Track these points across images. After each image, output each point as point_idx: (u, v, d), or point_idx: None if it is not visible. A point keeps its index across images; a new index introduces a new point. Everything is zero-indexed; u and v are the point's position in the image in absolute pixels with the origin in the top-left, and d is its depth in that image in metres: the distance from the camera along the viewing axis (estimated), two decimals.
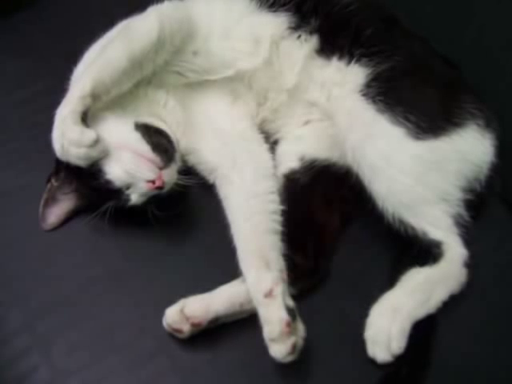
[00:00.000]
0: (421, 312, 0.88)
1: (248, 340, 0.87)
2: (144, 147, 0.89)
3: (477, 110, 0.94)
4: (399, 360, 0.85)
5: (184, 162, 0.98)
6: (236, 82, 1.00)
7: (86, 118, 0.87)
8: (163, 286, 0.91)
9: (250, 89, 1.01)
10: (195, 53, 0.96)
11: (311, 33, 0.99)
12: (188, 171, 0.97)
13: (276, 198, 0.96)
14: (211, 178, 0.99)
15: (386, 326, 0.86)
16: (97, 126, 0.88)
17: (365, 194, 0.93)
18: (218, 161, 0.98)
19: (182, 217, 0.97)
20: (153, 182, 0.87)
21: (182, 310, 0.85)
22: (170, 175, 0.90)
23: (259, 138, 1.02)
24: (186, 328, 0.85)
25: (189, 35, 0.95)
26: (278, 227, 0.93)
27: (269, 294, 0.84)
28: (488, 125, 0.95)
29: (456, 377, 0.87)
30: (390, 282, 0.91)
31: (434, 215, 0.92)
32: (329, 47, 0.99)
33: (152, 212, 0.91)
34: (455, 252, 0.92)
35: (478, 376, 0.88)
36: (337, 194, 1.00)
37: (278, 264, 0.89)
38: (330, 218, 0.98)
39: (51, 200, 0.94)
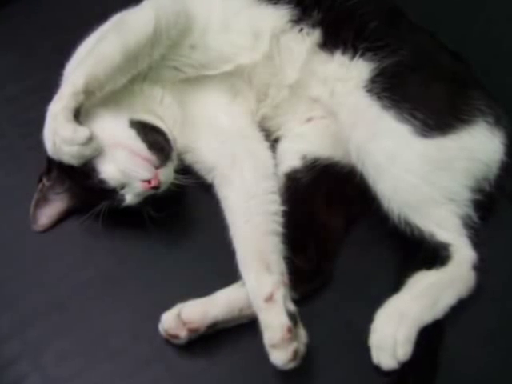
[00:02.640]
0: (428, 317, 0.86)
1: (247, 346, 0.85)
2: (139, 145, 0.87)
3: (486, 106, 0.93)
4: (405, 367, 0.83)
5: (181, 160, 0.96)
6: (235, 78, 0.99)
7: (79, 114, 0.85)
8: (159, 290, 0.90)
9: (250, 85, 1.00)
10: (192, 47, 0.95)
11: (313, 26, 0.97)
12: (185, 170, 0.95)
13: (277, 198, 0.95)
14: (209, 178, 0.98)
15: (392, 332, 0.84)
16: (90, 123, 0.86)
17: (369, 194, 0.92)
18: (217, 159, 0.97)
19: (179, 218, 0.96)
20: (148, 181, 0.86)
21: (178, 315, 0.83)
22: (166, 175, 0.88)
23: (259, 135, 1.01)
24: (182, 334, 0.83)
25: (186, 28, 0.93)
26: (279, 228, 0.92)
27: (269, 299, 0.82)
28: (498, 122, 0.93)
29: None
30: (395, 285, 0.89)
31: (441, 216, 0.90)
32: (332, 41, 0.97)
33: (148, 213, 0.89)
34: (464, 254, 0.90)
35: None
36: (340, 193, 0.98)
37: (279, 267, 0.88)
38: (333, 219, 0.97)
39: (43, 200, 0.93)
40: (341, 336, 0.88)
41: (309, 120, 1.02)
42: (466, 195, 0.91)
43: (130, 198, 0.87)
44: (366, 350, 0.85)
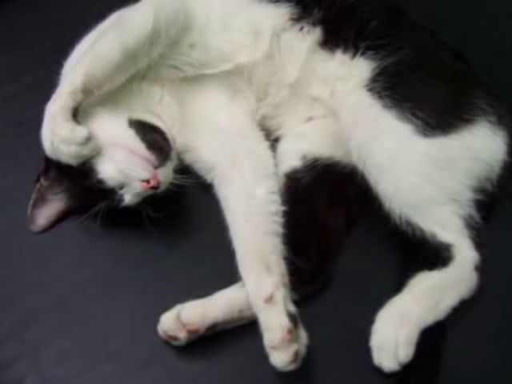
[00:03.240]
0: (429, 318, 0.85)
1: (247, 348, 0.84)
2: (138, 145, 0.87)
3: (488, 105, 0.92)
4: (407, 369, 0.82)
5: (180, 160, 0.96)
6: (235, 77, 0.98)
7: (77, 114, 0.85)
8: (158, 291, 0.89)
9: (250, 83, 0.99)
10: (192, 45, 0.94)
11: (314, 24, 0.97)
12: (185, 170, 0.95)
13: (277, 198, 0.94)
14: (209, 178, 0.97)
15: (393, 333, 0.84)
16: (88, 123, 0.86)
17: (370, 194, 0.91)
18: (216, 159, 0.96)
19: (179, 218, 0.95)
20: (147, 181, 0.85)
21: (178, 317, 0.83)
22: (165, 174, 0.87)
23: (259, 135, 1.00)
24: (182, 335, 0.83)
25: (185, 27, 0.93)
26: (279, 229, 0.91)
27: (269, 300, 0.82)
28: (500, 121, 0.92)
29: None
30: (396, 286, 0.89)
31: (443, 216, 0.90)
32: (333, 40, 0.97)
33: (147, 213, 0.89)
34: (466, 255, 0.89)
35: None
36: (341, 193, 0.97)
37: (279, 268, 0.87)
38: (334, 219, 0.96)
39: (40, 200, 0.92)
40: (341, 337, 0.87)
41: (309, 119, 1.01)
42: (467, 195, 0.90)
43: (128, 198, 0.87)
44: (366, 351, 0.84)
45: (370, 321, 0.85)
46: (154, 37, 0.88)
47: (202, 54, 0.95)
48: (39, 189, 0.92)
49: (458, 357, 0.84)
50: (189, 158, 0.98)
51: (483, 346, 0.87)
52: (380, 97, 0.91)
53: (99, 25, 0.96)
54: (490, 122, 0.91)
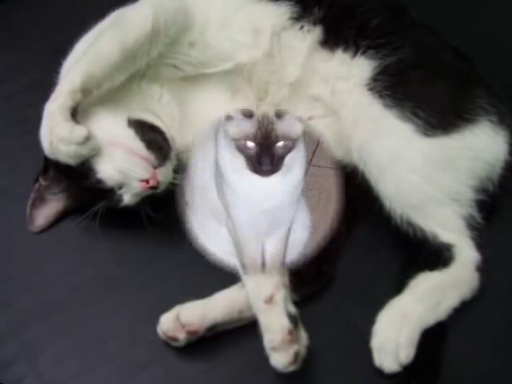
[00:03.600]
0: (430, 319, 0.85)
1: (247, 349, 0.84)
2: (137, 144, 0.87)
3: (490, 105, 0.91)
4: (407, 370, 0.82)
5: (180, 159, 0.95)
6: (235, 76, 0.98)
7: (76, 113, 0.84)
8: (158, 292, 0.89)
9: (250, 82, 0.99)
10: (191, 44, 0.94)
11: (314, 23, 0.96)
12: (184, 170, 0.94)
13: None
14: None
15: (394, 334, 0.83)
16: (87, 122, 0.86)
17: (371, 194, 0.91)
18: None
19: (178, 218, 0.93)
20: (147, 181, 0.85)
21: (177, 317, 0.83)
22: (164, 174, 0.87)
23: None
24: (181, 336, 0.82)
25: (185, 26, 0.93)
26: None
27: (269, 301, 0.81)
28: (502, 121, 0.92)
29: None
30: (397, 287, 0.88)
31: (444, 216, 0.89)
32: (333, 39, 0.96)
33: (146, 213, 0.89)
34: (467, 255, 0.89)
35: None
36: (341, 193, 0.95)
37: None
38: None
39: (39, 200, 0.92)
40: (342, 338, 0.86)
41: (309, 119, 1.00)
42: (469, 195, 0.90)
43: (127, 198, 0.87)
44: (367, 352, 0.84)
45: (370, 322, 0.85)
46: (153, 36, 0.88)
47: (201, 52, 0.94)
48: (38, 189, 0.92)
49: (459, 357, 0.84)
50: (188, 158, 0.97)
51: (484, 346, 0.87)
52: (381, 96, 0.90)
53: (98, 24, 0.96)
54: (491, 121, 0.91)
